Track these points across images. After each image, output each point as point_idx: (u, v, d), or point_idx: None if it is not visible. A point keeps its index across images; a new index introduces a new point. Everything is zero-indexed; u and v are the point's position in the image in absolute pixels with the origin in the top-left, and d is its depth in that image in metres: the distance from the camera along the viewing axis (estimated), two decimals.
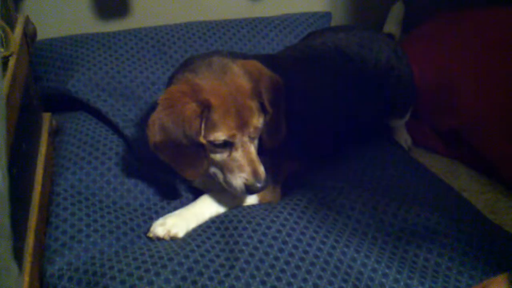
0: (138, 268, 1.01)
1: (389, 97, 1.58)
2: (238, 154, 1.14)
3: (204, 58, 1.19)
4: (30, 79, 1.39)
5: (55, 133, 1.50)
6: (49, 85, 1.59)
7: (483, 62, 1.63)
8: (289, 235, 1.09)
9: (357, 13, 2.15)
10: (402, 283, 1.01)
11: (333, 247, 1.07)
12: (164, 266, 1.01)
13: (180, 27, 1.80)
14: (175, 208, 1.25)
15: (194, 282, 0.98)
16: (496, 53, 1.62)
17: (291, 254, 1.04)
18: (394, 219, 1.18)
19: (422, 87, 1.73)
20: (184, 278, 0.99)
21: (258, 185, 1.13)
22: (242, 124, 1.12)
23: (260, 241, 1.06)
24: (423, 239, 1.13)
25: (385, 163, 1.44)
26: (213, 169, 1.19)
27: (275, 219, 1.13)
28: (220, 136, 1.11)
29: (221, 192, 1.23)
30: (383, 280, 1.01)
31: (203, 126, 1.10)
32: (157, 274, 0.99)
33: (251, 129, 1.14)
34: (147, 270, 1.00)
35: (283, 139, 1.23)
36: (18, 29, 1.32)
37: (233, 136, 1.12)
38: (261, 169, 1.14)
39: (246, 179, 1.13)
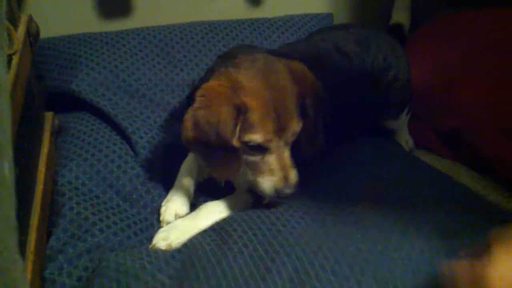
0: (133, 260, 1.02)
1: (384, 96, 1.58)
2: (272, 158, 1.11)
3: (248, 54, 1.15)
4: (33, 78, 1.39)
5: (57, 132, 1.50)
6: (52, 84, 1.60)
7: (483, 63, 1.64)
8: (277, 218, 1.10)
9: (359, 14, 2.16)
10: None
11: (320, 226, 1.09)
12: (157, 258, 1.03)
13: (183, 27, 1.80)
14: None
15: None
16: (496, 54, 1.62)
17: (279, 231, 1.06)
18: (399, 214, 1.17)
19: (423, 87, 1.73)
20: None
21: (287, 191, 1.10)
22: (280, 129, 1.08)
23: (250, 228, 1.07)
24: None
25: (384, 160, 1.44)
26: (243, 168, 1.15)
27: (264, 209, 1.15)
28: (256, 139, 1.08)
29: (223, 200, 1.23)
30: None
31: (238, 128, 1.07)
32: (150, 262, 1.01)
33: (289, 135, 1.11)
34: (141, 258, 1.02)
35: (321, 146, 1.20)
36: (21, 28, 1.32)
37: (270, 140, 1.08)
38: (293, 175, 1.12)
39: (277, 184, 1.10)
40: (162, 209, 1.23)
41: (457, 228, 1.10)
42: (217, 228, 1.12)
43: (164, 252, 1.06)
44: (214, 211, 1.20)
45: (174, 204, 1.23)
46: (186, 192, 1.26)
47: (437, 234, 1.06)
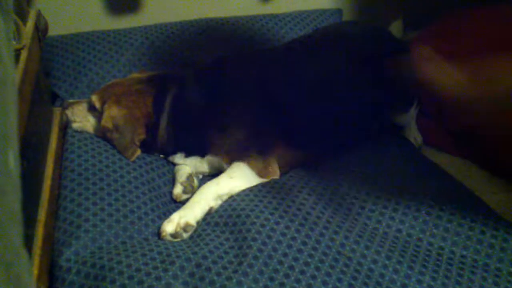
0: (146, 264, 1.00)
1: (392, 90, 1.56)
2: None
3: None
4: (41, 73, 1.39)
5: (65, 127, 1.50)
6: (60, 85, 1.59)
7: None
8: (297, 231, 1.08)
9: (368, 9, 2.15)
10: (413, 279, 1.01)
11: (342, 245, 1.06)
12: (172, 262, 1.00)
13: (191, 24, 1.79)
14: None
15: (202, 278, 0.97)
16: (506, 50, 1.60)
17: (300, 251, 1.03)
18: (404, 216, 1.17)
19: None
20: (192, 274, 0.98)
21: None
22: None
23: (269, 237, 1.06)
24: (433, 237, 1.12)
25: (393, 158, 1.43)
26: None
27: (283, 214, 1.13)
28: None
29: (218, 177, 1.25)
30: (394, 276, 1.00)
31: None
32: (165, 270, 0.98)
33: None
34: (155, 267, 0.99)
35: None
36: (30, 23, 1.33)
37: None
38: None
39: None
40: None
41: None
42: (234, 230, 1.10)
43: (175, 250, 1.05)
44: (211, 184, 1.23)
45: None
46: (189, 170, 1.35)
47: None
